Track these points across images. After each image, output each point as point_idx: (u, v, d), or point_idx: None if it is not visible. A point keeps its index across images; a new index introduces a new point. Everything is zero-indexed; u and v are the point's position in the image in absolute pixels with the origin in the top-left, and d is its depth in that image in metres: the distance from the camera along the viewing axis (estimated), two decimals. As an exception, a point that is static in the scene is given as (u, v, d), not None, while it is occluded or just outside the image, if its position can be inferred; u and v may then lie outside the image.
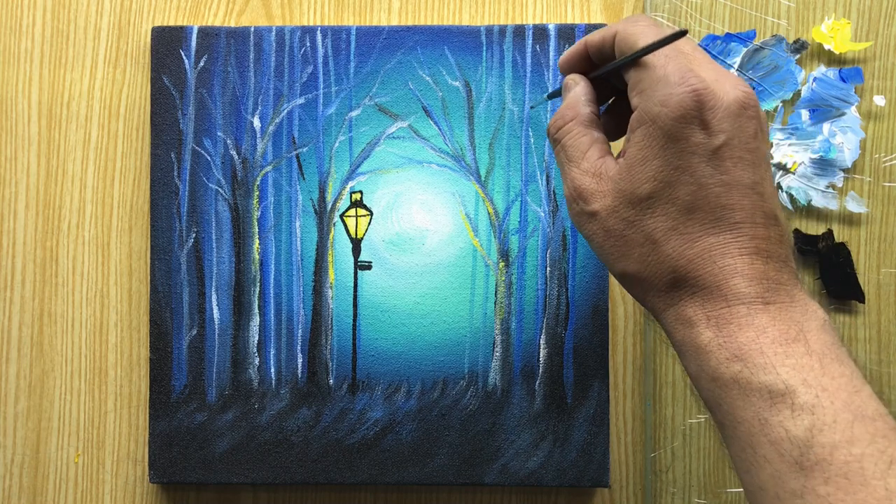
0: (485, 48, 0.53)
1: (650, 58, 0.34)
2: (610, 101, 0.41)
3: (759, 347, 0.32)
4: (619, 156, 0.36)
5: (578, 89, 0.39)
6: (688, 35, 0.35)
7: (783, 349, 0.31)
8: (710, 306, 0.33)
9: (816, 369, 0.31)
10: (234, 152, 0.54)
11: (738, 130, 0.33)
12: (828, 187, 0.53)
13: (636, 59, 0.35)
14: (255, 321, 0.54)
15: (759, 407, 0.31)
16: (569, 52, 0.40)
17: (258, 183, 0.54)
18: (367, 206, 0.54)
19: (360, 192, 0.54)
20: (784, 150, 0.53)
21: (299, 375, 0.53)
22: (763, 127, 0.34)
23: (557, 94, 0.43)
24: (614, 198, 0.35)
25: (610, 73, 0.37)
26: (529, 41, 0.53)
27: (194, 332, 0.53)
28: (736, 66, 0.53)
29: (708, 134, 0.33)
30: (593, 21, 0.55)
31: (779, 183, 0.53)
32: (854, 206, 0.53)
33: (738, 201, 0.33)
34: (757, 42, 0.53)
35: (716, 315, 0.33)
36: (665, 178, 0.33)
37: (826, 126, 0.53)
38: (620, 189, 0.35)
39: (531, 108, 0.52)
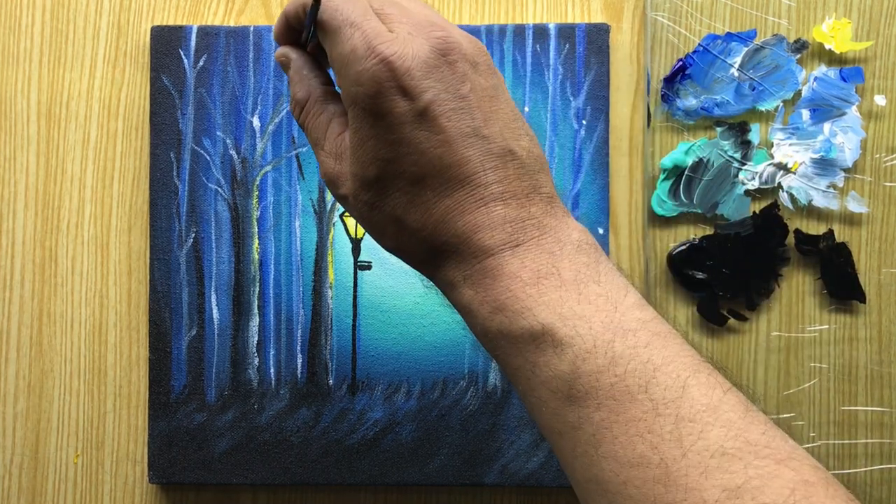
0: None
1: (339, 26, 0.32)
2: None
3: (514, 294, 0.31)
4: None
5: (297, 61, 0.37)
6: None
7: (536, 289, 0.31)
8: (465, 266, 0.32)
9: (572, 298, 0.30)
10: (233, 152, 0.54)
11: (442, 82, 0.31)
12: (829, 187, 0.53)
13: (321, 23, 0.32)
14: (255, 321, 0.53)
15: (526, 353, 0.30)
16: (276, 23, 0.38)
17: (258, 183, 0.54)
18: (367, 205, 0.54)
19: (360, 191, 0.54)
20: (785, 149, 0.53)
21: (299, 376, 0.53)
22: (473, 61, 0.32)
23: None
24: (353, 182, 0.34)
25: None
26: (529, 41, 0.53)
27: (194, 332, 0.53)
28: (736, 65, 0.53)
29: (411, 99, 0.31)
30: (594, 20, 0.55)
31: (779, 183, 0.53)
32: (855, 205, 0.53)
33: (462, 154, 0.32)
34: (757, 41, 0.53)
35: (471, 273, 0.32)
36: (385, 156, 0.32)
37: (827, 126, 0.53)
38: (354, 173, 0.33)
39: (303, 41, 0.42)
